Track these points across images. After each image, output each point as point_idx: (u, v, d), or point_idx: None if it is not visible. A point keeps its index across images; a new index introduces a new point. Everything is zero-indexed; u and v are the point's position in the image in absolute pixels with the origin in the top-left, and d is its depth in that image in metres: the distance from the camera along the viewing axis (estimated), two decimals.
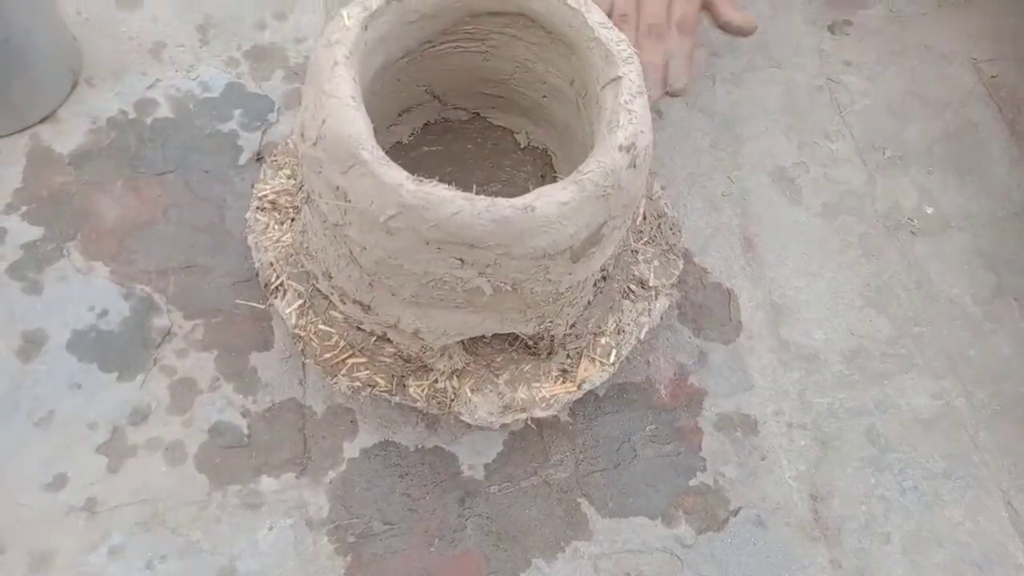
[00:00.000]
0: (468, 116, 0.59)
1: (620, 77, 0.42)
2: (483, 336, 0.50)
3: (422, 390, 0.50)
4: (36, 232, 0.59)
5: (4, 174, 0.61)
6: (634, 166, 0.41)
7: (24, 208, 0.60)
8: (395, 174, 0.39)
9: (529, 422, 0.55)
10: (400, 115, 0.56)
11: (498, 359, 0.52)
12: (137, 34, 0.69)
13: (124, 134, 0.64)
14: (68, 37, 0.66)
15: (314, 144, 0.41)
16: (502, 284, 0.42)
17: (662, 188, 0.61)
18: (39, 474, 0.52)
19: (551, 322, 0.49)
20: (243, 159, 0.64)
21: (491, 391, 0.51)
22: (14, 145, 0.62)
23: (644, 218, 0.56)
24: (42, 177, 0.61)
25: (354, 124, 0.39)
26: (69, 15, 0.68)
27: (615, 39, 0.43)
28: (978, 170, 0.73)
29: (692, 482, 0.56)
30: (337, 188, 0.41)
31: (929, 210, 0.70)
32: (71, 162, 0.62)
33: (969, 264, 0.68)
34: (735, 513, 0.55)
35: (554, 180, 0.58)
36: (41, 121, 0.63)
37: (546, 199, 0.39)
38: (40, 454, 0.52)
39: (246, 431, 0.54)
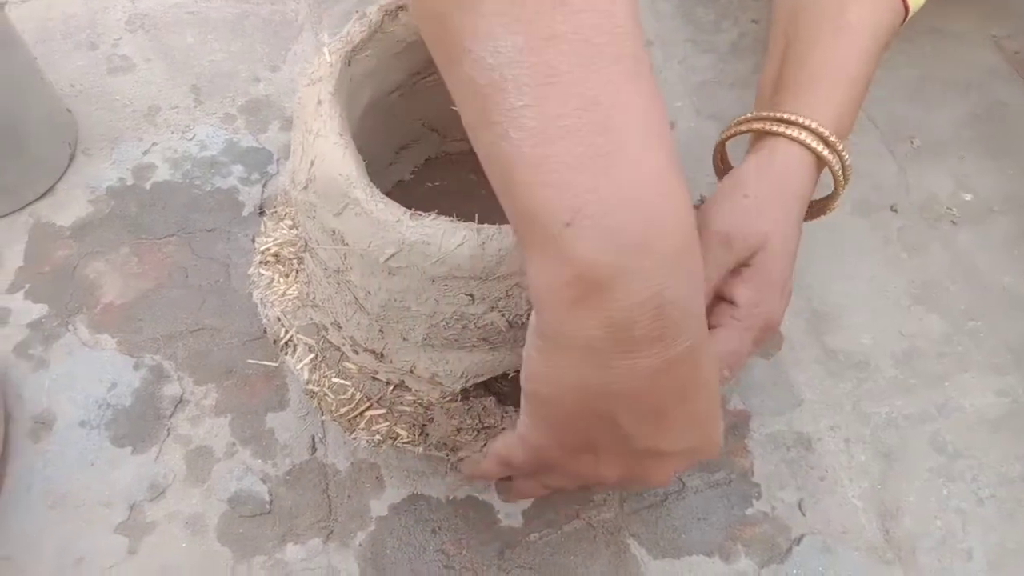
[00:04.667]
0: (470, 147, 0.56)
1: None
2: (505, 374, 0.47)
3: (445, 437, 0.47)
4: (41, 309, 0.58)
5: (5, 254, 0.60)
6: None
7: (27, 286, 0.59)
8: (391, 210, 0.36)
9: None
10: (398, 152, 0.54)
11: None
12: (131, 100, 0.68)
13: (124, 201, 0.63)
14: (62, 111, 0.65)
15: (305, 188, 0.39)
16: (518, 317, 0.39)
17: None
18: (56, 559, 0.49)
19: None
20: (246, 214, 0.63)
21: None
22: (13, 224, 0.61)
23: None
24: (44, 253, 0.60)
25: (344, 163, 0.37)
26: (63, 89, 0.68)
27: None
28: (1013, 149, 0.69)
29: (748, 511, 0.52)
30: (333, 232, 0.39)
31: (967, 197, 0.66)
32: (72, 235, 0.61)
33: (1018, 248, 0.63)
34: (798, 541, 0.51)
35: None
36: (40, 197, 0.62)
37: None
38: (56, 538, 0.50)
39: (267, 497, 0.51)
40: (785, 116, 0.46)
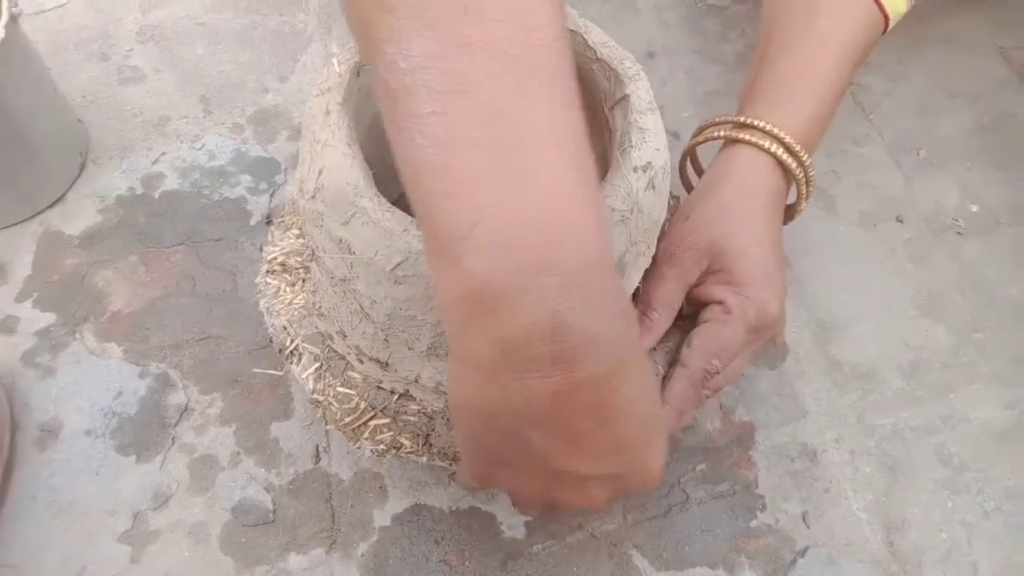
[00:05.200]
0: None
1: (627, 96, 0.40)
2: None
3: (448, 447, 0.47)
4: (48, 318, 0.58)
5: (15, 262, 0.60)
6: (652, 187, 0.38)
7: (35, 294, 0.59)
8: (398, 219, 0.37)
9: None
10: None
11: None
12: (141, 110, 0.68)
13: (133, 210, 0.63)
14: (74, 121, 0.65)
15: (312, 197, 0.39)
16: None
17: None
18: (60, 568, 0.49)
19: None
20: (253, 223, 0.63)
21: None
22: (24, 232, 0.61)
23: None
24: (52, 262, 0.60)
25: (351, 172, 0.37)
26: (75, 99, 0.68)
27: (619, 57, 0.41)
28: (1020, 160, 0.68)
29: (752, 523, 0.52)
30: (340, 240, 0.39)
31: (974, 208, 0.66)
32: (81, 244, 0.61)
33: None
34: (802, 554, 0.51)
35: None
36: (49, 206, 0.63)
37: None
38: (60, 547, 0.50)
39: (271, 507, 0.51)
40: (745, 120, 0.47)
